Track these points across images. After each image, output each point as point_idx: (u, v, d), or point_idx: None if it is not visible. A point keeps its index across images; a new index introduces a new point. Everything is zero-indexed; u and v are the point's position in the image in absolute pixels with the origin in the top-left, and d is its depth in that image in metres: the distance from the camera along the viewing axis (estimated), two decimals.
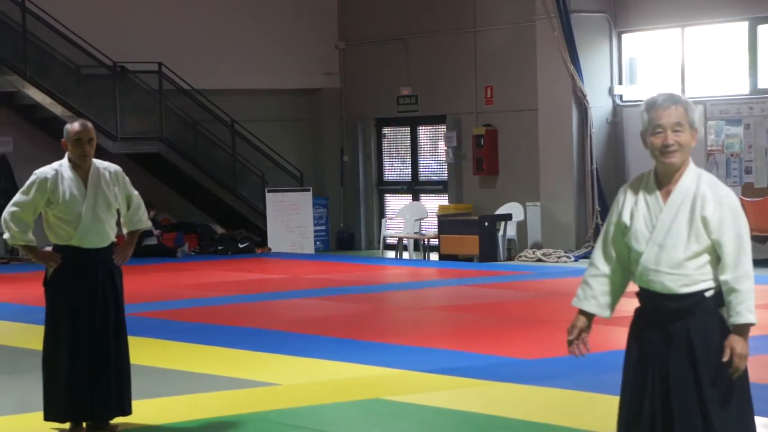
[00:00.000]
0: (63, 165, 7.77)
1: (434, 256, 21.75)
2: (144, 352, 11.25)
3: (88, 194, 7.69)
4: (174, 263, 21.20)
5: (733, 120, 19.45)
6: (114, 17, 23.00)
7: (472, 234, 20.70)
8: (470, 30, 22.83)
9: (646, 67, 20.94)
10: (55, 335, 7.68)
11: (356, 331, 12.48)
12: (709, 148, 19.72)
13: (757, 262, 18.16)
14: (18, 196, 7.77)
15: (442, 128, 23.49)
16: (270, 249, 23.12)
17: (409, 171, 24.60)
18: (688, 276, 4.82)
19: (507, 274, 18.47)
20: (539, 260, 20.42)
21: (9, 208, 7.76)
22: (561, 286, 16.62)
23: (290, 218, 23.29)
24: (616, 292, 5.10)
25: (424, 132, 24.36)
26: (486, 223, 20.82)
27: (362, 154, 24.97)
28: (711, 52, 20.00)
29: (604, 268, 5.08)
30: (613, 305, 5.12)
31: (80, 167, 7.73)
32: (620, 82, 21.02)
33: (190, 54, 23.46)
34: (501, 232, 20.96)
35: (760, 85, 19.26)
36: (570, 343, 5.05)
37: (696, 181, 4.85)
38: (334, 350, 11.11)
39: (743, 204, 18.34)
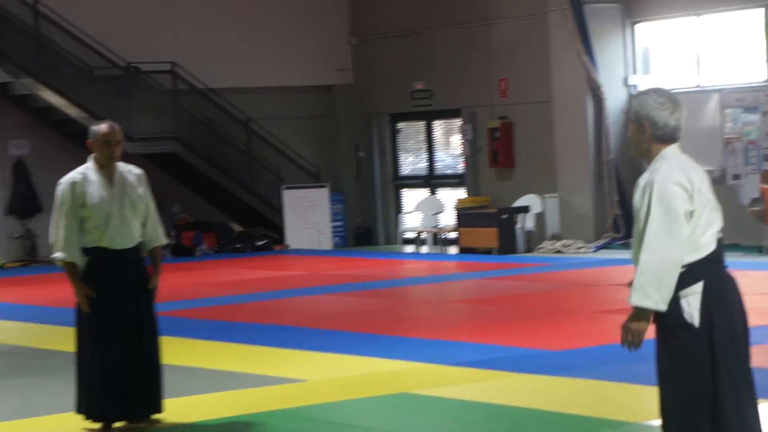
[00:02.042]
0: (89, 168, 7.78)
1: (453, 250, 21.73)
2: (166, 351, 11.24)
3: (115, 196, 7.71)
4: (193, 262, 21.22)
5: (749, 107, 19.38)
6: (126, 18, 23.00)
7: (491, 227, 20.67)
8: (483, 23, 22.78)
9: (660, 57, 20.87)
10: (88, 336, 7.68)
11: (378, 326, 12.48)
12: (726, 136, 19.66)
13: None
14: (58, 211, 7.73)
15: (457, 122, 23.47)
16: (288, 246, 23.13)
17: (424, 165, 24.58)
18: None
19: (527, 266, 18.44)
20: (558, 252, 20.38)
21: (58, 229, 7.70)
22: (581, 276, 16.60)
23: (307, 215, 23.30)
24: None
25: (438, 126, 24.34)
26: (504, 216, 20.79)
27: (377, 149, 24.95)
28: (726, 39, 19.93)
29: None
30: None
31: (106, 169, 7.74)
32: (635, 72, 20.96)
33: (203, 53, 23.46)
34: (519, 225, 20.92)
35: None
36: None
37: (649, 171, 5.01)
38: (357, 345, 11.10)
39: (762, 192, 18.34)
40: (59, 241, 7.66)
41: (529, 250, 20.95)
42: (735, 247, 19.09)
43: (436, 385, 9.06)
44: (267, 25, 24.37)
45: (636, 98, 5.10)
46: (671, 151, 5.03)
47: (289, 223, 23.24)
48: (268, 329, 12.55)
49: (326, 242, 23.29)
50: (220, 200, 23.97)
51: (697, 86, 20.06)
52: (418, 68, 23.87)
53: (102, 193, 7.67)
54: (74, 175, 7.74)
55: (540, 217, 21.44)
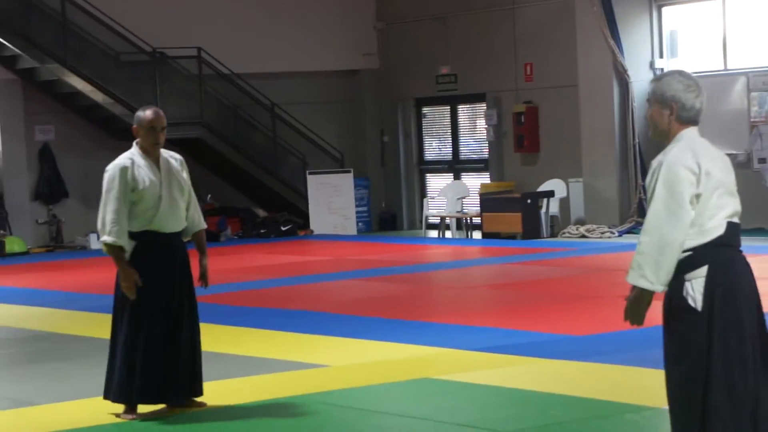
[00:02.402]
0: (134, 153, 7.79)
1: (477, 235, 21.71)
2: None
3: (163, 180, 7.76)
4: (217, 247, 21.25)
5: None
6: (152, 3, 23.05)
7: (515, 211, 20.64)
8: (508, 7, 22.72)
9: (687, 40, 20.78)
10: (131, 318, 7.68)
11: (402, 311, 12.48)
12: (752, 120, 19.58)
13: None
14: (107, 196, 7.70)
15: (482, 106, 23.43)
16: (312, 231, 23.16)
17: (449, 150, 24.56)
18: None
19: (551, 251, 18.42)
20: (583, 236, 20.35)
21: (107, 213, 7.66)
22: (606, 261, 16.57)
23: (332, 200, 23.32)
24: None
25: (463, 110, 24.30)
26: (528, 201, 20.76)
27: (402, 134, 24.94)
28: (753, 22, 19.82)
29: None
30: None
31: (151, 154, 7.78)
32: (661, 56, 20.89)
33: (228, 38, 23.49)
34: (544, 209, 20.90)
35: None
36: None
37: (663, 153, 5.05)
38: (381, 331, 11.11)
39: None
40: (108, 224, 7.64)
41: (553, 234, 20.93)
42: (761, 232, 19.03)
43: (459, 370, 9.07)
44: (292, 10, 24.37)
45: (660, 80, 5.11)
46: (689, 134, 5.05)
47: (313, 208, 23.26)
48: (292, 315, 12.58)
49: (351, 227, 23.31)
50: (245, 185, 24.01)
51: (724, 69, 19.97)
52: (444, 53, 23.83)
53: (152, 178, 7.71)
54: (123, 160, 7.74)
55: (564, 202, 21.41)
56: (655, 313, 5.17)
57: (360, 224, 23.78)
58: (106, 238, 7.66)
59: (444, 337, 10.55)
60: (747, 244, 17.03)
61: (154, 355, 7.63)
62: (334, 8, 24.71)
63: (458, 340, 10.33)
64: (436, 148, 24.91)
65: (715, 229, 4.94)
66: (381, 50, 25.12)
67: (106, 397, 7.84)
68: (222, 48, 23.08)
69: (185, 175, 7.94)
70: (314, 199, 23.29)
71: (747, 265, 5.04)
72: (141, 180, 7.69)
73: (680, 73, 5.12)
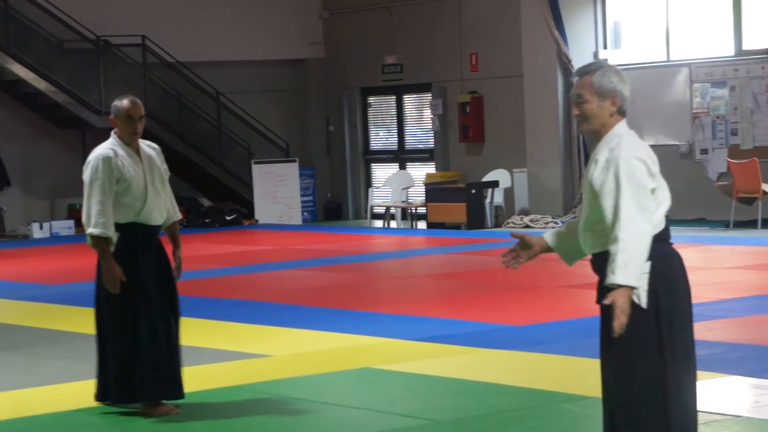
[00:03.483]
0: (114, 144, 7.49)
1: (422, 225, 21.76)
2: None
3: (146, 170, 7.49)
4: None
5: (718, 82, 19.46)
6: None
7: (460, 201, 20.70)
8: None
9: (630, 31, 20.92)
10: (124, 314, 7.42)
11: (346, 301, 12.50)
12: (694, 111, 19.74)
13: (745, 224, 18.23)
14: (91, 188, 7.38)
15: (428, 96, 23.47)
16: (257, 221, 23.12)
17: (395, 140, 24.59)
18: (596, 237, 4.98)
19: (495, 241, 18.47)
20: (527, 226, 20.45)
21: (91, 204, 7.34)
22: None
23: (277, 189, 23.28)
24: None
25: (409, 100, 24.33)
26: (473, 191, 20.82)
27: (348, 123, 24.94)
28: (695, 14, 19.98)
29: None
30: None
31: (130, 145, 7.50)
32: (605, 47, 21.01)
33: (173, 26, 23.38)
34: (488, 199, 20.97)
35: (745, 47, 19.27)
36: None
37: (607, 147, 4.97)
38: (324, 320, 11.12)
39: (730, 166, 18.43)
40: (93, 216, 7.31)
41: (497, 225, 21.01)
42: (702, 222, 19.20)
43: (401, 360, 9.10)
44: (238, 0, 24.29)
45: (601, 73, 5.02)
46: (624, 127, 5.05)
47: (258, 197, 23.22)
48: (235, 304, 12.56)
49: (296, 217, 23.29)
50: (190, 175, 23.90)
51: (667, 61, 20.12)
52: (389, 42, 23.85)
53: (135, 167, 7.44)
54: (104, 150, 7.43)
55: (509, 192, 21.50)
56: (590, 303, 5.20)
57: (305, 214, 23.77)
58: (92, 230, 7.34)
59: (387, 327, 10.57)
60: (689, 234, 17.18)
61: (155, 351, 7.39)
62: None
63: (401, 330, 10.36)
64: (381, 137, 24.93)
65: (658, 224, 4.96)
66: (327, 39, 25.10)
67: (102, 400, 7.60)
68: (167, 36, 22.97)
69: (164, 165, 7.66)
70: (259, 189, 23.24)
71: (680, 258, 5.07)
72: (126, 170, 7.39)
73: (609, 66, 5.08)
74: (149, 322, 7.43)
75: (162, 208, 7.59)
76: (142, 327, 7.41)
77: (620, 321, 4.83)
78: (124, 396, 7.48)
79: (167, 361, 7.49)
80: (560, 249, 5.36)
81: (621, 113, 5.03)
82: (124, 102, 7.54)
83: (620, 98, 5.00)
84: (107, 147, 7.47)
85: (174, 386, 7.54)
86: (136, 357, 7.40)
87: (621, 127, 5.03)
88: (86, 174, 7.43)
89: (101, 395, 7.61)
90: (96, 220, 7.32)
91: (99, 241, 7.36)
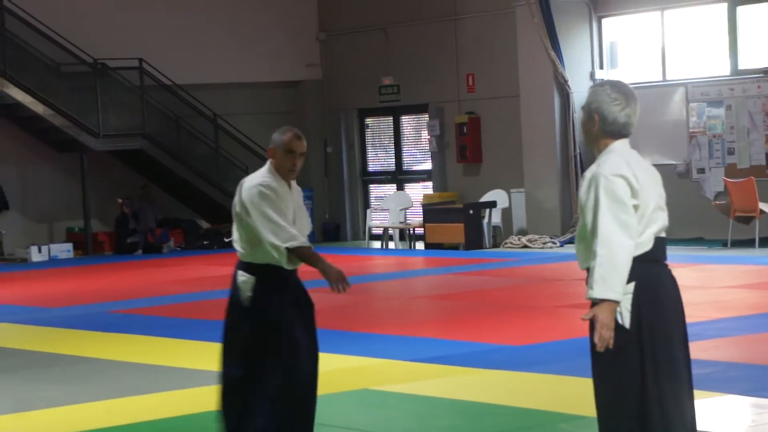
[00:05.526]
0: (269, 175, 6.69)
1: (420, 245, 21.77)
2: (132, 349, 11.27)
3: (296, 209, 6.77)
4: (160, 259, 21.18)
5: (714, 101, 19.51)
6: (93, 14, 22.95)
7: (457, 222, 20.73)
8: (450, 18, 22.84)
9: (626, 51, 20.97)
10: (289, 360, 6.75)
11: (344, 321, 12.50)
12: (691, 130, 19.78)
13: (742, 243, 18.24)
14: (262, 211, 6.52)
15: (425, 117, 23.51)
16: None
17: (392, 160, 24.62)
18: (587, 252, 5.04)
19: (493, 261, 18.50)
20: (525, 246, 20.46)
21: (274, 223, 6.52)
22: (547, 271, 16.67)
23: None
24: None
25: (406, 121, 24.38)
26: (471, 211, 20.85)
27: (345, 144, 24.98)
28: (691, 34, 20.04)
29: None
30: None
31: (284, 180, 6.70)
32: (601, 67, 21.06)
33: (170, 49, 23.43)
34: (486, 220, 20.99)
35: (741, 66, 19.32)
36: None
37: (596, 164, 5.04)
38: (322, 341, 11.01)
39: (726, 185, 18.45)
40: (282, 231, 6.50)
41: (495, 245, 21.03)
42: (699, 241, 19.22)
43: (399, 381, 9.11)
44: (235, 21, 24.36)
45: (591, 89, 5.14)
46: (619, 146, 5.05)
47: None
48: None
49: None
50: (188, 197, 23.95)
51: (663, 80, 20.18)
52: (386, 64, 23.91)
53: (288, 205, 6.68)
54: (268, 179, 6.61)
55: (506, 212, 21.52)
56: (587, 323, 5.21)
57: None
58: (293, 243, 6.52)
59: (385, 348, 10.58)
60: (685, 253, 17.16)
61: (306, 398, 6.78)
62: (276, 19, 24.72)
63: (399, 351, 10.37)
64: (379, 158, 24.97)
65: (644, 244, 4.97)
66: (324, 61, 25.16)
67: None
68: (164, 59, 23.02)
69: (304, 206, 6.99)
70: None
71: (673, 279, 5.08)
72: (285, 205, 6.65)
73: (612, 84, 5.09)
74: (310, 367, 6.92)
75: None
76: (301, 371, 6.80)
77: (600, 335, 4.86)
78: None
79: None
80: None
81: (605, 134, 5.04)
82: (287, 135, 6.83)
83: (601, 118, 5.02)
84: (262, 175, 6.67)
85: None
86: (296, 404, 6.73)
87: (617, 146, 5.04)
88: (249, 199, 6.58)
89: None
90: (287, 234, 6.54)
91: (303, 251, 6.61)
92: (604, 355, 4.94)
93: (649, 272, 4.97)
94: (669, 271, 5.07)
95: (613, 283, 4.86)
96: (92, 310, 14.36)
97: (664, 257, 5.07)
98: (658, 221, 5.02)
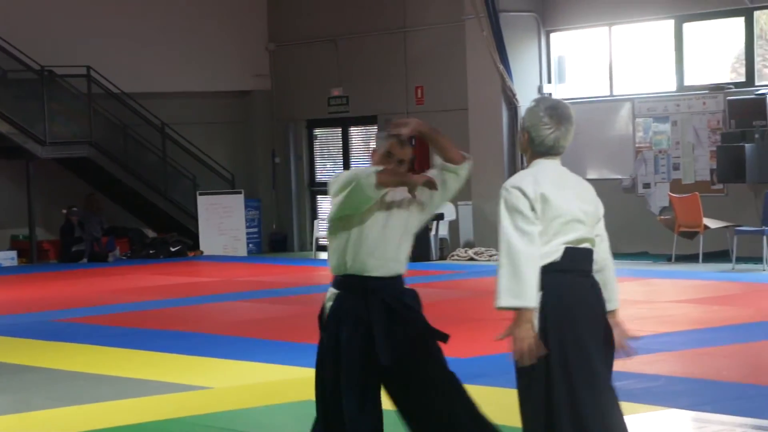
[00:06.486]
0: None
1: None
2: (75, 358, 11.18)
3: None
4: (105, 268, 21.05)
5: (660, 117, 19.65)
6: (41, 21, 22.80)
7: None
8: (400, 30, 22.89)
9: (574, 66, 21.10)
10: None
11: (289, 333, 12.47)
12: (637, 145, 19.92)
13: (687, 257, 18.37)
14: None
15: (374, 129, 23.54)
16: (202, 252, 23.04)
17: (341, 172, 24.58)
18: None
19: (440, 273, 18.52)
20: (471, 259, 20.51)
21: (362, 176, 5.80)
22: (493, 284, 16.67)
23: (222, 221, 23.23)
24: None
25: (355, 132, 24.39)
26: None
27: (294, 155, 24.96)
28: (638, 50, 20.20)
29: None
30: None
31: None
32: (549, 81, 21.16)
33: (118, 57, 23.31)
34: (433, 232, 21.03)
35: (687, 82, 19.48)
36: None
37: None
38: (267, 353, 11.09)
39: (671, 200, 18.59)
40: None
41: (442, 257, 21.06)
42: (645, 256, 19.34)
43: None
44: (184, 30, 24.28)
45: (528, 107, 5.22)
46: (542, 163, 5.13)
47: (203, 229, 23.16)
48: (177, 336, 12.50)
49: (241, 249, 23.24)
50: (135, 206, 23.82)
51: (610, 95, 20.31)
52: (336, 75, 23.91)
53: None
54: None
55: (454, 225, 21.57)
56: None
57: (250, 245, 23.72)
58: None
59: None
60: (632, 267, 17.22)
61: None
62: (226, 29, 24.66)
63: None
64: (327, 169, 24.96)
65: (550, 254, 5.00)
66: (273, 71, 25.13)
67: None
68: (112, 67, 22.89)
69: None
70: (204, 220, 23.18)
71: (590, 288, 5.08)
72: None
73: (548, 106, 5.13)
74: None
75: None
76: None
77: (516, 347, 4.95)
78: None
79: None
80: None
81: (535, 152, 5.14)
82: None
83: (530, 138, 5.13)
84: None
85: None
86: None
87: (540, 162, 5.14)
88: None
89: None
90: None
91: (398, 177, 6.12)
92: (518, 368, 5.03)
93: (559, 282, 5.00)
94: (589, 282, 5.08)
95: (516, 290, 4.92)
96: (36, 319, 14.24)
97: (582, 268, 5.08)
98: (573, 232, 5.05)
